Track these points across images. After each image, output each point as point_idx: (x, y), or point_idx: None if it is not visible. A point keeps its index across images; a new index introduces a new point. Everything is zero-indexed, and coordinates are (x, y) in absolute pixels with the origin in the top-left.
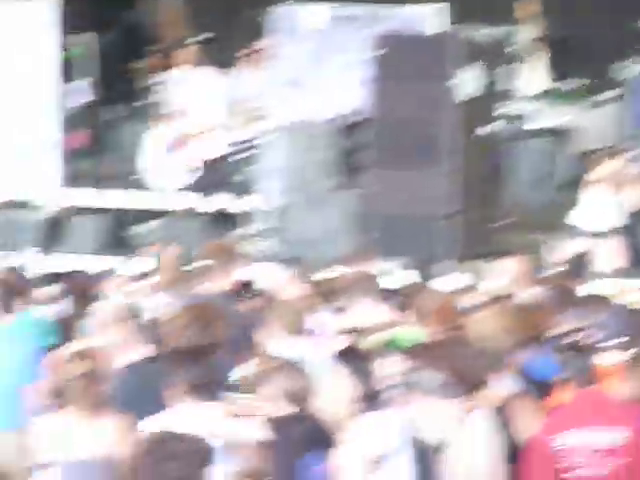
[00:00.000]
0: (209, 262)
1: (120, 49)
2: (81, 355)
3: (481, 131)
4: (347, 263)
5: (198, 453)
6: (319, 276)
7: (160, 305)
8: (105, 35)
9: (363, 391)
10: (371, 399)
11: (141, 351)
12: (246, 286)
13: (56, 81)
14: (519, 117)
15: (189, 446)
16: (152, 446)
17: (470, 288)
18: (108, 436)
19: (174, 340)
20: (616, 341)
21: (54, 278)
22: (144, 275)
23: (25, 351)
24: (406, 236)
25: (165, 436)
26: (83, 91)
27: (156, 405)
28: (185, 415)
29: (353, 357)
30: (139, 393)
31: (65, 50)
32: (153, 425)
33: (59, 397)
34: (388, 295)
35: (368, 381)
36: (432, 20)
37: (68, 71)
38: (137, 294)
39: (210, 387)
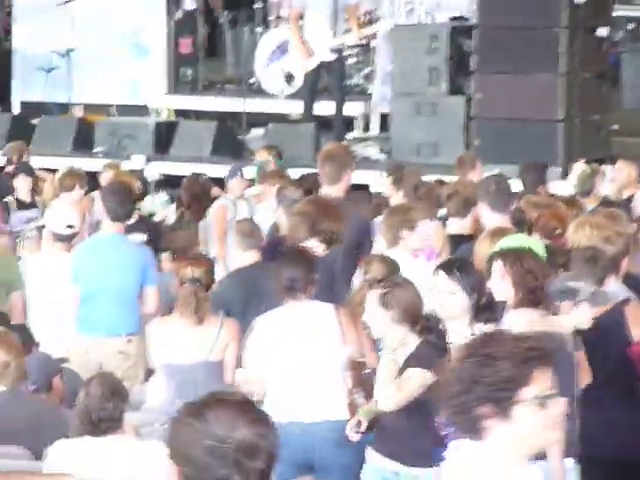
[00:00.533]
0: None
1: None
2: (192, 261)
3: (598, 33)
4: (454, 170)
5: None
6: (426, 183)
7: (269, 210)
8: None
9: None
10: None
11: (250, 256)
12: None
13: None
14: (637, 20)
15: None
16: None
17: (580, 194)
18: (215, 341)
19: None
20: None
21: (167, 183)
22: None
23: (138, 256)
24: (517, 141)
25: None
26: None
27: (259, 308)
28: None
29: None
30: (244, 297)
31: None
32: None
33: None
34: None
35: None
36: None
37: None
38: (250, 199)
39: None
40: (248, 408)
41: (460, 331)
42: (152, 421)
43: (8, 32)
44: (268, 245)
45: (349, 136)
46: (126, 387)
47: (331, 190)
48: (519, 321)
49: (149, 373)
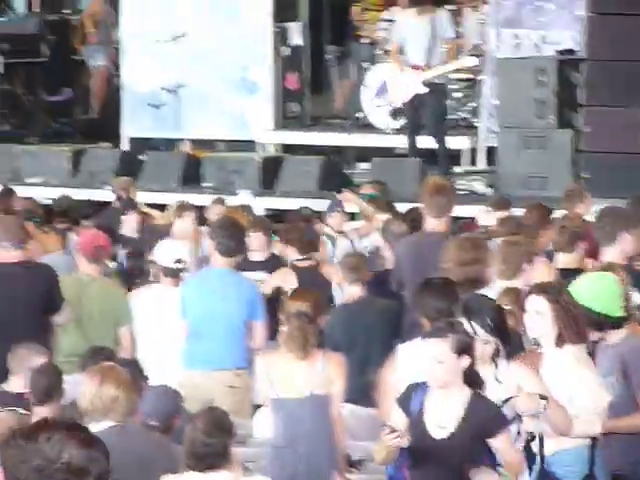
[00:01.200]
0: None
1: None
2: (300, 295)
3: None
4: (562, 204)
5: None
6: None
7: (374, 244)
8: None
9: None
10: None
11: (355, 290)
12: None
13: (269, 22)
14: None
15: None
16: None
17: None
18: (321, 375)
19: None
20: None
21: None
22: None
23: (247, 291)
24: (626, 175)
25: None
26: (296, 33)
27: (368, 344)
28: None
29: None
30: (350, 332)
31: None
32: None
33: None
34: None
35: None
36: None
37: (281, 13)
38: (353, 233)
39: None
40: (78, 431)
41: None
42: (259, 455)
43: (117, 68)
44: (374, 279)
45: (456, 170)
46: (233, 421)
47: (436, 223)
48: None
49: (256, 407)
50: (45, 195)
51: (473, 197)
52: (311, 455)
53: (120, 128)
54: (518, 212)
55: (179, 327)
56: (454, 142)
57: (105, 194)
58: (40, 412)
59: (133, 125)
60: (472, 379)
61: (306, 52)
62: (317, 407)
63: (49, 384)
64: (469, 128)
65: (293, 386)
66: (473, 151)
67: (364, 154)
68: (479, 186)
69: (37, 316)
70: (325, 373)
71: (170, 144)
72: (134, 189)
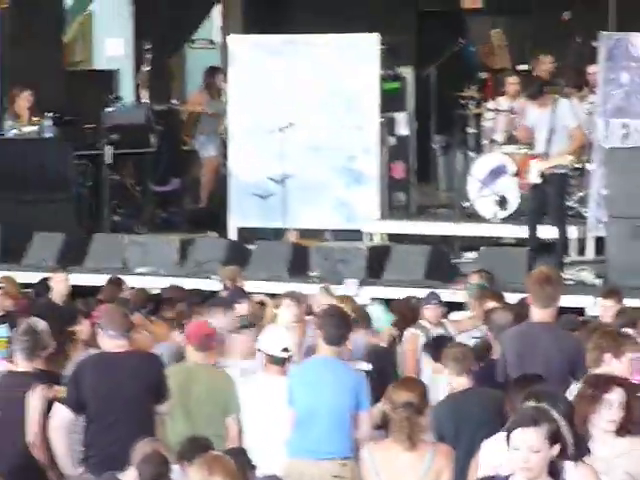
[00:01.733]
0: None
1: (438, 80)
2: (406, 385)
3: None
4: None
5: None
6: None
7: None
8: (424, 67)
9: None
10: None
11: (461, 381)
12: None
13: (376, 112)
14: None
15: None
16: None
17: None
18: (429, 466)
19: None
20: None
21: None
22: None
23: (353, 380)
24: None
25: None
26: (402, 123)
27: (474, 434)
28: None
29: None
30: (456, 423)
31: (385, 81)
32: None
33: (386, 425)
34: None
35: None
36: None
37: (387, 103)
38: (452, 325)
39: None
40: None
41: None
42: None
43: (225, 157)
44: (481, 370)
45: (564, 260)
46: None
47: (543, 313)
48: None
49: None
50: (153, 285)
51: (581, 287)
52: None
53: (227, 218)
54: (629, 302)
55: (285, 416)
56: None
57: (212, 284)
58: None
59: (240, 215)
60: (554, 469)
61: (412, 142)
62: None
63: (156, 473)
64: (577, 217)
65: (401, 477)
66: (581, 241)
67: (471, 243)
68: (588, 276)
69: (142, 405)
70: (433, 464)
71: (277, 233)
72: (241, 278)
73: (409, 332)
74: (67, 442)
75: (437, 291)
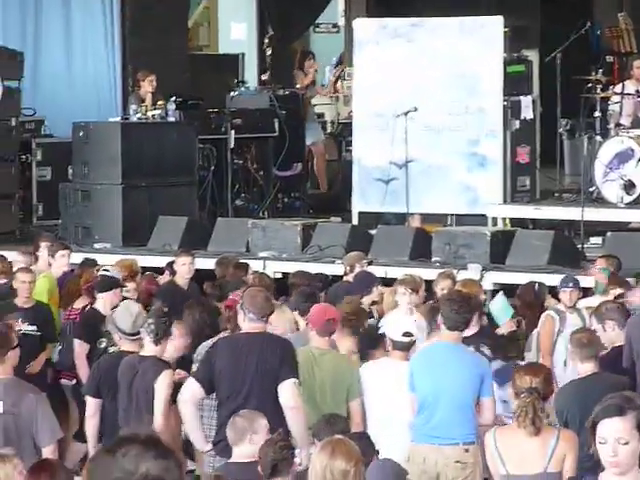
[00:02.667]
0: None
1: (564, 64)
2: (530, 370)
3: None
4: None
5: None
6: None
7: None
8: (549, 50)
9: None
10: None
11: (587, 367)
12: None
13: (500, 96)
14: None
15: None
16: None
17: None
18: (551, 451)
19: None
20: None
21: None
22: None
23: (476, 365)
24: None
25: None
26: (527, 107)
27: None
28: None
29: None
30: (581, 408)
31: (509, 65)
32: None
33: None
34: None
35: None
36: None
37: (512, 87)
38: (582, 310)
39: None
40: (154, 445)
41: None
42: None
43: (348, 143)
44: (607, 356)
45: None
46: None
47: None
48: None
49: None
50: (276, 269)
51: None
52: None
53: (350, 203)
54: None
55: (408, 401)
56: None
57: (335, 268)
58: None
59: (363, 199)
60: None
61: (537, 126)
62: None
63: (278, 458)
64: None
65: (525, 463)
66: None
67: (597, 228)
68: None
69: (270, 387)
70: (558, 450)
71: (400, 218)
72: (362, 264)
73: (545, 315)
74: (197, 415)
75: (561, 277)
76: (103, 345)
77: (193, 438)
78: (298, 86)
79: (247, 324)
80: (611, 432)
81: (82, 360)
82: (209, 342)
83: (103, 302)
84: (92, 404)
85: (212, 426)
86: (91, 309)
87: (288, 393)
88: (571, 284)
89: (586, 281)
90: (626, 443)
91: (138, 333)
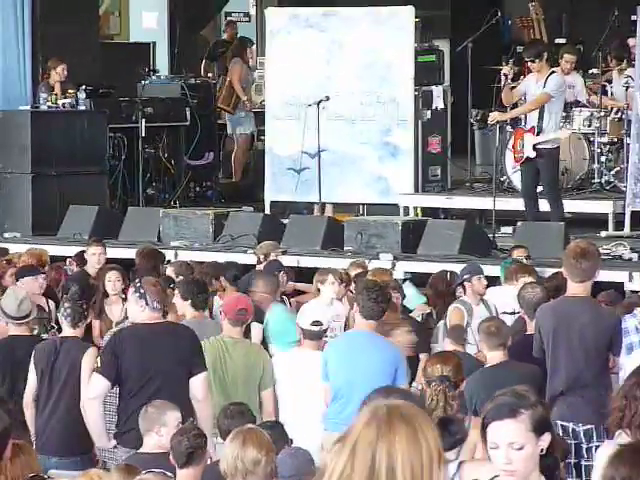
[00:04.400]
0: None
1: (474, 54)
2: (441, 358)
3: None
4: None
5: None
6: None
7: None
8: (460, 41)
9: None
10: None
11: (496, 355)
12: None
13: (411, 86)
14: None
15: None
16: None
17: None
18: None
19: None
20: None
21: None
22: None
23: (389, 355)
24: None
25: None
26: (438, 96)
27: None
28: None
29: None
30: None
31: (420, 54)
32: None
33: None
34: None
35: None
36: None
37: (421, 76)
38: (487, 300)
39: None
40: None
41: None
42: None
43: (261, 132)
44: (515, 344)
45: (602, 234)
46: None
47: (579, 287)
48: None
49: None
50: (188, 258)
51: (619, 262)
52: None
53: (263, 192)
54: None
55: (321, 390)
56: (599, 206)
57: (247, 257)
58: (184, 475)
59: (275, 189)
60: (549, 464)
61: (448, 115)
62: None
63: (191, 447)
64: (615, 192)
65: None
66: (618, 216)
67: (508, 218)
68: (625, 251)
69: (179, 377)
70: (471, 438)
71: (312, 208)
72: (277, 253)
73: (452, 307)
74: (102, 413)
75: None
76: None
77: (98, 436)
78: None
79: (148, 314)
80: (502, 436)
81: None
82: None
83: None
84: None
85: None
86: None
87: (200, 386)
88: (472, 273)
89: (494, 270)
90: (520, 448)
91: (24, 317)
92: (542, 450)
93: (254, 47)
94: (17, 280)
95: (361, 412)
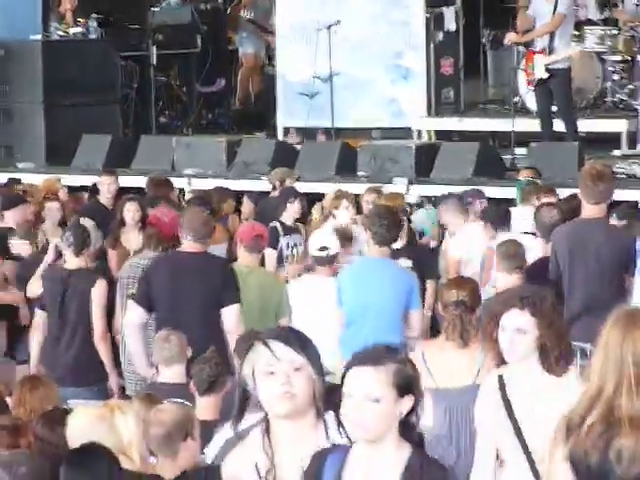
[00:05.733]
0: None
1: None
2: (457, 283)
3: None
4: None
5: None
6: None
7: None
8: None
9: None
10: None
11: (514, 278)
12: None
13: (422, 8)
14: None
15: None
16: None
17: None
18: (479, 364)
19: None
20: None
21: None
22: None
23: (403, 280)
24: None
25: None
26: (450, 18)
27: None
28: None
29: None
30: None
31: None
32: None
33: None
34: None
35: None
36: None
37: None
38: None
39: None
40: None
41: None
42: None
43: (271, 57)
44: (532, 266)
45: (615, 153)
46: None
47: (595, 210)
48: None
49: None
50: (200, 186)
51: (633, 181)
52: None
53: (275, 118)
54: None
55: (335, 316)
56: (612, 125)
57: (260, 184)
58: (204, 403)
59: (287, 114)
60: (411, 431)
61: (460, 37)
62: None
63: (213, 375)
64: (628, 110)
65: (453, 376)
66: (632, 134)
67: (522, 139)
68: (639, 169)
69: (210, 309)
70: (486, 362)
71: (325, 133)
72: (292, 179)
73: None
74: (142, 340)
75: (487, 188)
76: None
77: (137, 363)
78: None
79: (186, 243)
80: (358, 385)
81: None
82: (136, 260)
83: (13, 220)
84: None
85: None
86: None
87: (234, 319)
88: (478, 198)
89: (511, 192)
90: (376, 401)
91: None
92: (401, 414)
93: None
94: (4, 211)
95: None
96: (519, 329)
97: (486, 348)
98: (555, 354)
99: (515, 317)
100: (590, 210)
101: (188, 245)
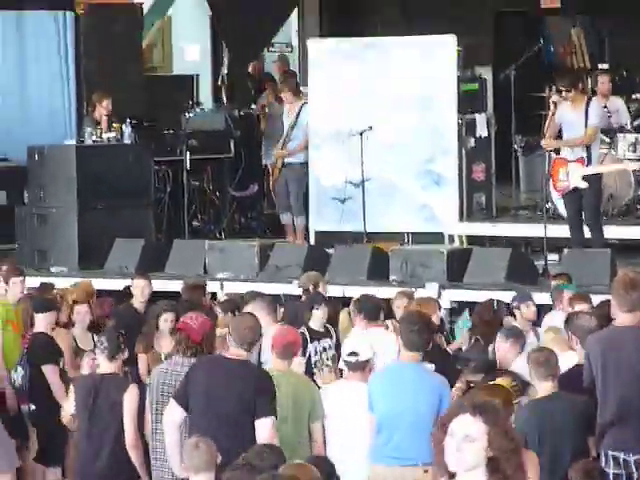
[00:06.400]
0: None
1: (517, 81)
2: (490, 391)
3: None
4: None
5: None
6: None
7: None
8: (502, 68)
9: None
10: None
11: (546, 386)
12: None
13: (454, 114)
14: None
15: None
16: None
17: None
18: None
19: None
20: None
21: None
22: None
23: (435, 385)
24: None
25: None
26: (482, 124)
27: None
28: None
29: None
30: (540, 429)
31: (463, 83)
32: None
33: None
34: None
35: None
36: None
37: (464, 104)
38: (536, 328)
39: None
40: None
41: None
42: None
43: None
44: (566, 375)
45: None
46: None
47: (628, 317)
48: None
49: None
50: (233, 290)
51: None
52: None
53: (307, 222)
54: None
55: (367, 421)
56: None
57: (292, 288)
58: None
59: (319, 219)
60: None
61: (492, 143)
62: None
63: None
64: None
65: None
66: None
67: (554, 245)
68: None
69: (240, 419)
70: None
71: (357, 238)
72: (323, 283)
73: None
74: (178, 439)
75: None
76: None
77: (172, 462)
78: (254, 106)
79: (231, 349)
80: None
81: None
82: (164, 366)
83: (44, 324)
84: None
85: None
86: (39, 333)
87: (263, 432)
88: (525, 300)
89: (543, 298)
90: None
91: None
92: None
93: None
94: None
95: None
96: (468, 436)
97: (433, 459)
98: (508, 472)
99: (465, 423)
100: (623, 318)
101: (232, 350)
